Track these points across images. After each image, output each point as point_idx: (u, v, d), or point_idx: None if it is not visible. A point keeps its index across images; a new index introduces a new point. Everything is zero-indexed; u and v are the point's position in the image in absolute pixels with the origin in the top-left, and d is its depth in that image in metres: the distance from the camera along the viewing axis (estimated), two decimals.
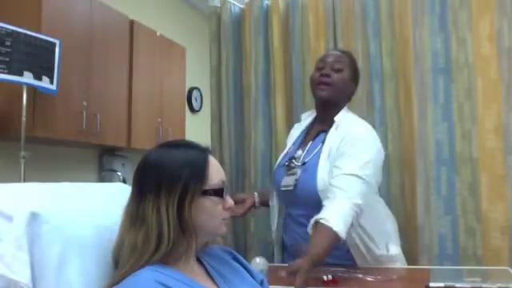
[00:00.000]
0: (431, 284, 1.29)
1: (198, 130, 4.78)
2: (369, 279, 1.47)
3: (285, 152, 1.80)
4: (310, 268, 1.29)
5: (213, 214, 0.98)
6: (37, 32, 2.64)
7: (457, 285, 1.28)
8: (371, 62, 2.18)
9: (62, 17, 3.03)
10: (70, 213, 1.01)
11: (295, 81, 2.29)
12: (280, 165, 1.76)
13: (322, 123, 1.73)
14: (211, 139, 2.47)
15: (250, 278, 1.09)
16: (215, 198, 0.98)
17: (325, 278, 1.43)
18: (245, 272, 1.10)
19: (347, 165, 1.50)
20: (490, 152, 1.95)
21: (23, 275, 0.88)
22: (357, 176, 1.48)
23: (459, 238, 1.97)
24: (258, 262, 1.38)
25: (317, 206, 1.51)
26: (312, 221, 1.44)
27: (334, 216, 1.40)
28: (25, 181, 2.57)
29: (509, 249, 1.89)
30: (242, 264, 1.11)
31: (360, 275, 1.50)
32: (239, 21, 2.49)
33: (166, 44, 4.21)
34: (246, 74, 2.44)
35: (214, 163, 1.01)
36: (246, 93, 2.42)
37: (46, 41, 2.66)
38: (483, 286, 1.28)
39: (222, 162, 2.34)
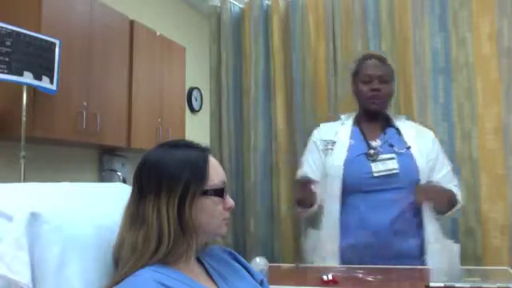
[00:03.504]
0: (431, 284, 1.29)
1: (197, 130, 4.78)
2: (369, 279, 1.47)
3: (347, 146, 1.81)
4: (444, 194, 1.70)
5: (213, 214, 0.98)
6: (37, 32, 2.64)
7: (457, 285, 1.28)
8: None
9: (62, 17, 3.02)
10: (69, 213, 1.01)
11: (295, 81, 2.28)
12: (355, 155, 1.78)
13: (375, 120, 1.86)
14: (211, 139, 2.47)
15: (250, 278, 1.09)
16: (215, 198, 0.98)
17: (325, 277, 1.43)
18: (245, 272, 1.10)
19: (451, 177, 1.83)
20: (490, 152, 1.96)
21: (23, 275, 0.88)
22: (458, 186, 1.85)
23: (459, 238, 1.97)
24: (258, 262, 1.38)
25: (415, 187, 1.72)
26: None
27: (453, 188, 1.78)
28: (25, 181, 2.57)
29: (509, 249, 1.89)
30: (242, 264, 1.11)
31: (360, 275, 1.50)
32: (239, 21, 2.49)
33: (165, 44, 4.21)
34: (245, 73, 2.44)
35: (214, 163, 1.01)
36: (246, 92, 2.42)
37: (46, 41, 2.66)
38: (483, 286, 1.28)
39: (221, 162, 2.34)
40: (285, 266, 1.80)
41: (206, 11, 2.66)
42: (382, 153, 1.76)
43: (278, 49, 2.34)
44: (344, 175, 1.76)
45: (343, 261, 1.73)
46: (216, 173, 1.00)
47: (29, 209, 0.93)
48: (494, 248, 1.91)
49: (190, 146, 1.02)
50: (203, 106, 5.25)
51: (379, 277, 1.49)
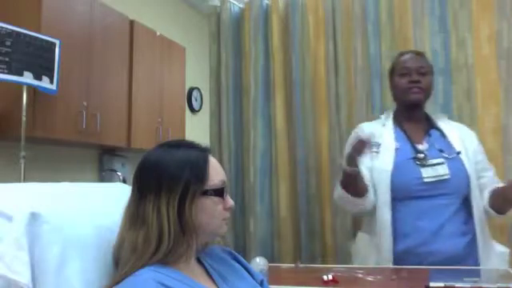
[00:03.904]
0: (431, 284, 1.30)
1: (197, 130, 4.78)
2: (369, 279, 1.47)
3: (393, 149, 1.74)
4: None
5: (213, 214, 0.98)
6: (37, 32, 2.64)
7: (457, 285, 1.29)
8: (371, 61, 2.18)
9: (62, 17, 3.03)
10: (69, 213, 1.01)
11: (295, 80, 2.29)
12: (403, 159, 1.71)
13: (416, 121, 1.81)
14: (210, 139, 2.47)
15: (250, 278, 1.09)
16: (215, 198, 0.98)
17: (325, 277, 1.43)
18: (245, 272, 1.10)
19: (496, 178, 1.79)
20: (489, 152, 1.95)
21: (23, 275, 0.88)
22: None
23: None
24: (258, 262, 1.38)
25: (464, 194, 1.70)
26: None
27: None
28: (25, 181, 2.57)
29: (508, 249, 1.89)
30: (242, 264, 1.11)
31: (360, 275, 1.50)
32: (239, 20, 2.49)
33: (165, 44, 4.21)
34: (245, 73, 2.44)
35: (214, 163, 1.01)
36: (246, 92, 2.42)
37: (46, 41, 2.66)
38: (483, 286, 1.29)
39: (221, 162, 2.33)
40: (285, 266, 1.80)
41: (206, 11, 2.66)
42: (431, 157, 1.70)
43: (277, 48, 2.34)
44: (392, 180, 1.70)
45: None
46: (216, 173, 1.00)
47: (29, 209, 0.93)
48: None
49: (190, 146, 1.02)
50: (203, 105, 5.25)
51: (379, 277, 1.49)
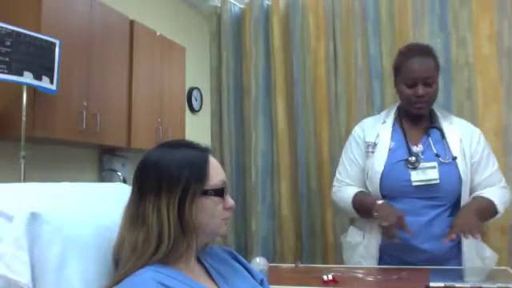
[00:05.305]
0: (431, 284, 1.29)
1: (198, 130, 4.78)
2: (369, 279, 1.47)
3: (387, 149, 1.73)
4: (477, 217, 1.57)
5: (213, 214, 0.98)
6: (37, 32, 2.64)
7: (457, 285, 1.28)
8: (371, 61, 2.18)
9: (62, 17, 3.03)
10: (69, 213, 1.01)
11: (295, 80, 2.29)
12: (394, 161, 1.70)
13: (419, 122, 1.76)
14: (211, 139, 2.47)
15: (251, 278, 1.09)
16: (216, 198, 0.98)
17: (325, 277, 1.43)
18: (245, 272, 1.10)
19: (496, 178, 1.74)
20: None
21: (23, 275, 0.88)
22: (505, 187, 1.76)
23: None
24: (258, 262, 1.38)
25: (455, 197, 1.68)
26: (470, 197, 1.69)
27: (492, 193, 1.68)
28: (25, 181, 2.57)
29: (509, 249, 1.89)
30: (242, 264, 1.12)
31: (360, 275, 1.50)
32: (239, 21, 2.49)
33: (165, 44, 4.21)
34: (246, 73, 2.44)
35: (214, 163, 1.01)
36: (246, 93, 2.42)
37: (46, 41, 2.66)
38: (483, 286, 1.29)
39: (222, 162, 2.34)
40: (285, 266, 1.80)
41: (206, 11, 2.66)
42: (424, 160, 1.68)
43: (278, 49, 2.34)
44: (382, 181, 1.70)
45: (381, 261, 1.71)
46: (216, 173, 1.00)
47: (29, 209, 0.93)
48: (494, 248, 1.90)
49: (190, 146, 1.02)
50: (203, 105, 5.26)
51: (379, 277, 1.49)
